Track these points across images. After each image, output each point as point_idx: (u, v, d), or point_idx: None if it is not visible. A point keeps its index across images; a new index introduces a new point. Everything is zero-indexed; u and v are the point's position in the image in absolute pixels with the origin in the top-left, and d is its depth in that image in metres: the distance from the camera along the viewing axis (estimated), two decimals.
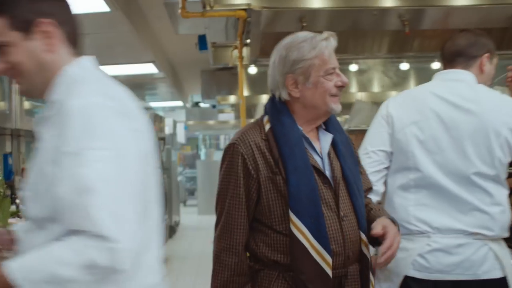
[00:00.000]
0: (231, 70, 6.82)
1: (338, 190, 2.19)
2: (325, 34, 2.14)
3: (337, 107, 2.18)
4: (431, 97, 2.55)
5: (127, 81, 8.42)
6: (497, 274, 2.41)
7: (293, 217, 2.10)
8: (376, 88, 7.25)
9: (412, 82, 7.15)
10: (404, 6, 3.87)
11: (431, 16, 4.17)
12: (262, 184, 2.13)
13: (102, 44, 6.00)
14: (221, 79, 7.34)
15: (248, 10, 3.76)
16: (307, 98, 2.17)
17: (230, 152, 2.17)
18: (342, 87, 2.17)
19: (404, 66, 6.21)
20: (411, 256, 2.47)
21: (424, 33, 4.63)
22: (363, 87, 7.48)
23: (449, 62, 2.64)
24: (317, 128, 2.26)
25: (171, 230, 10.31)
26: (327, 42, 2.13)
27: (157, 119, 8.42)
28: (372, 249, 2.32)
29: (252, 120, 2.23)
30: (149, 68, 7.31)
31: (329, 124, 2.27)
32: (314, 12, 3.82)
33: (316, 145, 2.22)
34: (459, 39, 2.65)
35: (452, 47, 2.63)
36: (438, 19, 4.26)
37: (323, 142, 2.24)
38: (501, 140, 2.41)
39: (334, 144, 2.25)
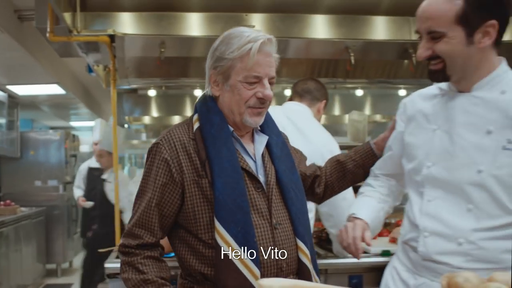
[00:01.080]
0: (137, 92, 7.07)
1: (271, 195, 1.97)
2: (260, 36, 1.89)
3: (253, 120, 1.96)
4: (282, 115, 2.99)
5: (49, 101, 8.70)
6: None
7: (217, 224, 1.87)
8: None
9: None
10: None
11: (294, 46, 4.55)
12: (186, 188, 1.92)
13: (7, 64, 6.18)
14: (130, 100, 7.57)
15: (111, 36, 3.98)
16: (225, 100, 1.98)
17: (153, 152, 1.97)
18: (263, 100, 1.93)
19: (288, 92, 6.58)
20: None
21: (290, 61, 4.99)
22: None
23: (299, 96, 3.21)
24: (253, 130, 2.07)
25: None
26: (255, 45, 1.86)
27: (69, 138, 8.62)
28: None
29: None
30: (54, 89, 7.41)
31: (265, 126, 2.08)
32: (174, 39, 4.09)
33: (249, 147, 2.02)
34: (310, 82, 3.27)
35: (305, 85, 3.24)
36: (300, 49, 4.64)
37: (257, 145, 2.04)
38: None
39: (268, 147, 2.06)
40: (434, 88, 2.11)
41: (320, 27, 4.27)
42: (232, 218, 1.86)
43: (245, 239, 1.85)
